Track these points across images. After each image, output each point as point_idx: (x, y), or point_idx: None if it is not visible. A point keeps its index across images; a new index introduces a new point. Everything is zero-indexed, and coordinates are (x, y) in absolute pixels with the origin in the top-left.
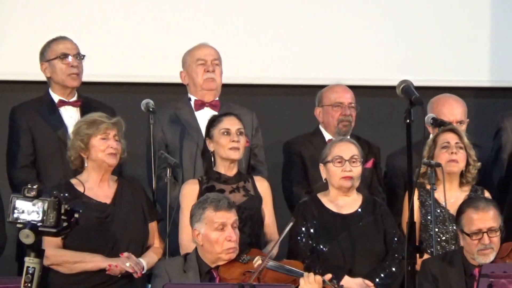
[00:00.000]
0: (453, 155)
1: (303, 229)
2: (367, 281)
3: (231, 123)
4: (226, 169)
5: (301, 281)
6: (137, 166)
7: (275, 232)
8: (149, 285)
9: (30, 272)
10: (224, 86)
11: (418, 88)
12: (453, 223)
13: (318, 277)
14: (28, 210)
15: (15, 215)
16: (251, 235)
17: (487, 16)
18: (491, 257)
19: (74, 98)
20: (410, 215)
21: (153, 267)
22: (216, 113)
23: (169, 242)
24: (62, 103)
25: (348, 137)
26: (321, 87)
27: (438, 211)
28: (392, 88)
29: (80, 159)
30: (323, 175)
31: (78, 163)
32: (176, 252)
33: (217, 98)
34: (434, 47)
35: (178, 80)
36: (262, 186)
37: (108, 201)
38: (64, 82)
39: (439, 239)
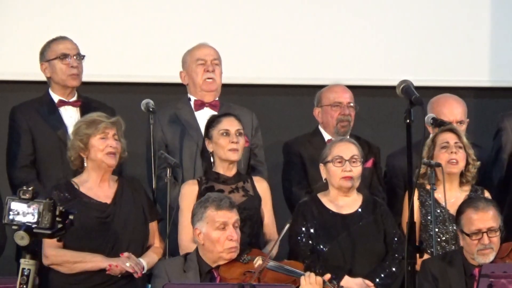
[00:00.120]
0: (452, 154)
1: (303, 229)
2: (367, 281)
3: (230, 124)
4: (225, 170)
5: (302, 280)
6: (137, 166)
7: (274, 232)
8: (149, 285)
9: (26, 273)
10: (224, 86)
11: (418, 88)
12: (453, 223)
13: (319, 278)
14: (24, 212)
15: (11, 217)
16: (250, 235)
17: (487, 16)
18: (491, 257)
19: (74, 98)
20: (410, 215)
21: (153, 267)
22: (216, 113)
23: (169, 242)
24: (62, 103)
25: (348, 137)
26: (321, 87)
27: (438, 211)
28: (392, 88)
29: (80, 159)
30: (323, 175)
31: (78, 163)
32: (176, 252)
33: (217, 98)
34: (434, 47)
35: (178, 80)
36: (261, 186)
37: (108, 201)
38: (64, 82)
39: (439, 239)
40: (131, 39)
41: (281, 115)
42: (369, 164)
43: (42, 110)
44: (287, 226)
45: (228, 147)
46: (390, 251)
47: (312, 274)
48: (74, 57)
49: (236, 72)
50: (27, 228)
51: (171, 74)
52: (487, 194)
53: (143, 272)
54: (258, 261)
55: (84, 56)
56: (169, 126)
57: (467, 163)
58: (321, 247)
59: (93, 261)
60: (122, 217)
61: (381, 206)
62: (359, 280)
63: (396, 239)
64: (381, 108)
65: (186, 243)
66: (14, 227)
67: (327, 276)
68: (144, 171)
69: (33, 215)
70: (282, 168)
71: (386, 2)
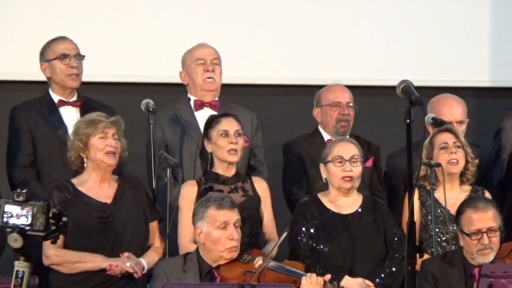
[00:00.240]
0: (452, 155)
1: (303, 229)
2: (367, 281)
3: (229, 125)
4: (225, 170)
5: (303, 281)
6: (137, 166)
7: (274, 232)
8: (149, 285)
9: (20, 276)
10: (224, 86)
11: (418, 88)
12: (454, 223)
13: (320, 279)
14: (17, 214)
15: (5, 219)
16: (250, 235)
17: (487, 16)
18: (491, 257)
19: (74, 98)
20: (410, 215)
21: (153, 267)
22: (215, 113)
23: (169, 242)
24: (62, 103)
25: (348, 136)
26: (321, 87)
27: (439, 211)
28: (392, 88)
29: (80, 159)
30: (324, 175)
31: (78, 163)
32: (176, 252)
33: (217, 98)
34: (434, 47)
35: (178, 80)
36: (261, 186)
37: (108, 201)
38: (64, 83)
39: (439, 239)
40: (131, 39)
41: (281, 115)
42: (369, 163)
43: (42, 110)
44: (285, 234)
45: (227, 147)
46: (390, 251)
47: (314, 275)
48: (74, 57)
49: (236, 72)
50: (20, 230)
51: (171, 74)
52: (487, 195)
53: (143, 272)
54: (258, 261)
55: (84, 56)
56: (169, 126)
57: (466, 162)
58: (321, 247)
59: (93, 261)
60: (122, 217)
61: (381, 206)
62: (359, 280)
63: (396, 239)
64: (381, 108)
65: (185, 243)
66: (7, 229)
67: (327, 276)
68: (144, 171)
69: (26, 217)
70: (282, 169)
71: (386, 2)
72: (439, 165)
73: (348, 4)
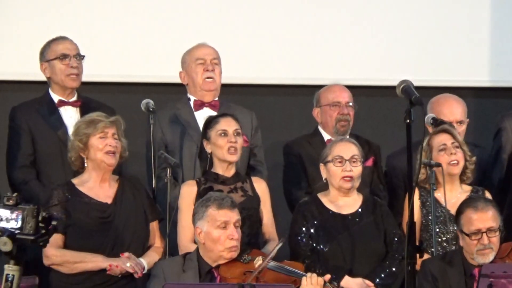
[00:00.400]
0: (452, 156)
1: (303, 229)
2: (367, 281)
3: (228, 124)
4: (224, 170)
5: (303, 281)
6: (137, 166)
7: (273, 232)
8: None
9: (10, 279)
10: (224, 86)
11: (418, 88)
12: (454, 223)
13: (320, 279)
14: (7, 217)
15: None
16: (249, 235)
17: (487, 16)
18: (491, 257)
19: (74, 98)
20: (410, 215)
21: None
22: (215, 113)
23: (169, 242)
24: (62, 103)
25: (348, 136)
26: (321, 87)
27: (439, 211)
28: (392, 88)
29: (80, 159)
30: (324, 175)
31: (78, 164)
32: (176, 252)
33: (217, 98)
34: (434, 47)
35: (178, 80)
36: (260, 186)
37: (109, 201)
38: (64, 83)
39: (439, 240)
40: (131, 39)
41: (281, 115)
42: (370, 163)
43: (42, 110)
44: (280, 244)
45: (227, 147)
46: (390, 251)
47: (314, 275)
48: (74, 57)
49: (236, 72)
50: (10, 234)
51: (171, 74)
52: (487, 195)
53: (143, 272)
54: (258, 261)
55: (84, 56)
56: (169, 126)
57: (465, 160)
58: (321, 247)
59: (93, 261)
60: (122, 217)
61: (381, 206)
62: (359, 280)
63: (396, 239)
64: (381, 108)
65: (185, 243)
66: None
67: (328, 276)
68: (144, 171)
69: (16, 221)
70: (283, 170)
71: (386, 2)
72: (439, 165)
73: (348, 4)
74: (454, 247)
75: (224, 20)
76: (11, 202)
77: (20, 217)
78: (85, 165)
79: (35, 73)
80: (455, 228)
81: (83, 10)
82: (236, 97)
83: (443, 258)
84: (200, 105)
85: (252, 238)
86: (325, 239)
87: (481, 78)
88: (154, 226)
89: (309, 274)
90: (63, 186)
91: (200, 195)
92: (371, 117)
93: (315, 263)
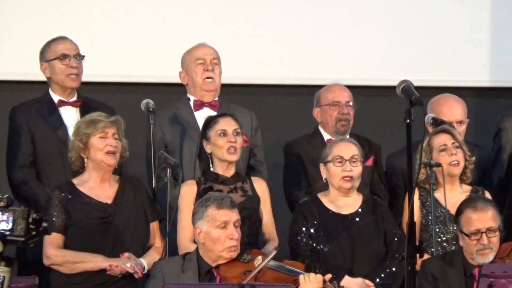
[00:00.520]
0: (453, 156)
1: (303, 229)
2: (367, 281)
3: (227, 124)
4: (224, 170)
5: (301, 279)
6: (137, 166)
7: (273, 232)
8: None
9: (0, 281)
10: (224, 86)
11: (418, 88)
12: (454, 223)
13: (319, 276)
14: None
15: None
16: (249, 235)
17: (487, 16)
18: (490, 257)
19: (74, 98)
20: (410, 215)
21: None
22: (215, 113)
23: (169, 242)
24: (62, 103)
25: (348, 136)
26: (321, 87)
27: (439, 211)
28: (392, 88)
29: (80, 159)
30: (324, 175)
31: (79, 164)
32: (176, 252)
33: (217, 98)
34: (434, 47)
35: (178, 80)
36: (260, 186)
37: (109, 201)
38: (63, 83)
39: (439, 240)
40: (131, 39)
41: (281, 115)
42: (370, 162)
43: (42, 110)
44: (273, 254)
45: (226, 146)
46: (390, 251)
47: (312, 273)
48: (74, 57)
49: (236, 72)
50: (0, 235)
51: (171, 74)
52: (487, 195)
53: (143, 272)
54: (258, 261)
55: (84, 56)
56: (169, 126)
57: (465, 160)
58: (321, 247)
59: (93, 261)
60: (123, 217)
61: (381, 206)
62: (359, 280)
63: (396, 239)
64: (381, 108)
65: (185, 243)
66: None
67: (328, 276)
68: (144, 171)
69: (7, 222)
70: (283, 170)
71: (386, 2)
72: (439, 165)
73: (348, 4)
74: (454, 247)
75: (224, 20)
76: (2, 204)
77: (11, 218)
78: (85, 165)
79: (35, 73)
80: (455, 228)
81: (83, 10)
82: (236, 97)
83: (443, 258)
84: (200, 105)
85: (251, 238)
86: (325, 239)
87: (481, 78)
88: (154, 226)
89: (306, 273)
90: (63, 186)
91: (200, 195)
92: (371, 117)
93: (315, 263)
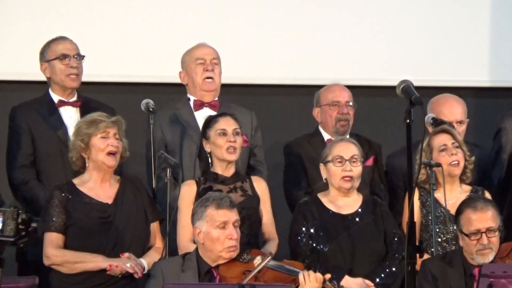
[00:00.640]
0: (453, 156)
1: (303, 229)
2: (367, 281)
3: (227, 124)
4: (224, 170)
5: (300, 278)
6: (137, 166)
7: (273, 232)
8: None
9: None
10: (224, 86)
11: (418, 88)
12: (454, 223)
13: (319, 275)
14: None
15: None
16: (249, 235)
17: (487, 16)
18: (490, 257)
19: (74, 98)
20: (410, 215)
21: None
22: (215, 113)
23: (169, 242)
24: (62, 103)
25: (348, 136)
26: (321, 87)
27: (439, 211)
28: (392, 88)
29: (81, 159)
30: (324, 175)
31: (79, 164)
32: (176, 252)
33: (217, 98)
34: (434, 47)
35: (178, 80)
36: (260, 186)
37: (109, 201)
38: (63, 83)
39: (439, 240)
40: (131, 39)
41: (281, 115)
42: (370, 162)
43: (42, 110)
44: (268, 259)
45: (226, 146)
46: (390, 251)
47: (311, 272)
48: (74, 57)
49: (236, 72)
50: None
51: (171, 74)
52: (487, 195)
53: (143, 272)
54: (258, 261)
55: (84, 56)
56: (169, 126)
57: (464, 160)
58: (321, 247)
59: (93, 261)
60: (123, 217)
61: (381, 206)
62: (359, 280)
63: (396, 239)
64: (381, 108)
65: (184, 243)
66: None
67: (328, 275)
68: (144, 171)
69: None
70: (283, 170)
71: (386, 2)
72: (439, 165)
73: (348, 4)
74: (454, 247)
75: (224, 20)
76: None
77: (0, 219)
78: (87, 165)
79: (35, 73)
80: (455, 228)
81: (83, 10)
82: (236, 97)
83: (443, 258)
84: (200, 105)
85: (251, 238)
86: (325, 239)
87: (481, 78)
88: (154, 226)
89: (305, 272)
90: (64, 186)
91: (199, 195)
92: (371, 117)
93: (315, 263)
